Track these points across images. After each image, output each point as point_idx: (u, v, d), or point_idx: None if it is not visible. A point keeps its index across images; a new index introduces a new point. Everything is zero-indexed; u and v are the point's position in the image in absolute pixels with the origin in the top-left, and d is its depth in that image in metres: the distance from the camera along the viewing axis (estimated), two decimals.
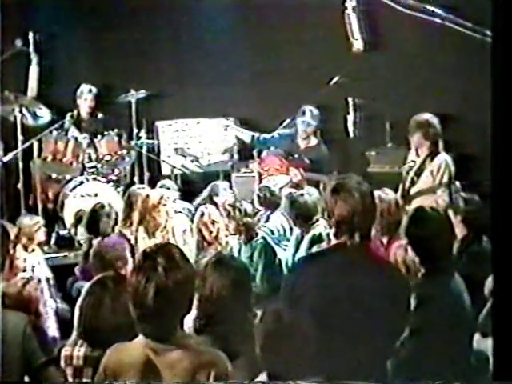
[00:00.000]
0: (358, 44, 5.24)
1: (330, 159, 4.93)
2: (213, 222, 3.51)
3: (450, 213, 3.01)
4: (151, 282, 1.69)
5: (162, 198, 3.57)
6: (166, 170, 5.65)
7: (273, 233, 3.82)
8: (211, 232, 3.48)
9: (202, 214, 3.57)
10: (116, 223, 3.60)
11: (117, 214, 3.76)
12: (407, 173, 3.82)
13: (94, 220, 3.66)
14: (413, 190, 3.74)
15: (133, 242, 3.48)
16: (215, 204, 4.22)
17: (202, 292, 2.05)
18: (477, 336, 2.35)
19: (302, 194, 3.68)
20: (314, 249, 3.33)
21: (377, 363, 1.79)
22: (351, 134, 5.08)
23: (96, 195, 4.91)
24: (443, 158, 3.76)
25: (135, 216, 3.63)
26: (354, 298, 1.80)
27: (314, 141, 4.97)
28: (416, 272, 2.35)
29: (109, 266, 2.64)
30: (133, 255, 2.75)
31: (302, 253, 3.45)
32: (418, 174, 3.75)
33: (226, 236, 3.53)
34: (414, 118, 3.82)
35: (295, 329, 1.70)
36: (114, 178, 5.23)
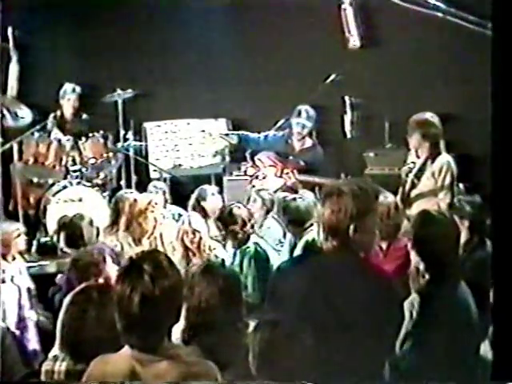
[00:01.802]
0: (354, 40, 5.28)
1: (325, 161, 4.94)
2: (194, 232, 3.49)
3: (455, 216, 3.00)
4: (137, 291, 1.70)
5: (149, 203, 3.57)
6: (154, 173, 5.66)
7: (265, 239, 3.83)
8: (193, 241, 3.47)
9: (183, 222, 3.57)
10: (98, 232, 3.60)
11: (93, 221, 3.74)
12: (407, 175, 3.82)
13: (74, 232, 3.64)
14: (413, 193, 3.74)
15: (119, 249, 3.48)
16: (203, 209, 4.24)
17: (190, 301, 2.06)
18: (484, 345, 2.33)
19: (294, 199, 3.70)
20: None
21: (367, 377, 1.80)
22: (348, 135, 5.11)
23: (80, 200, 4.91)
24: (445, 159, 3.75)
25: (122, 222, 3.64)
26: (332, 306, 1.81)
27: (309, 142, 4.98)
28: (420, 278, 2.34)
29: (90, 275, 2.64)
30: (118, 263, 2.76)
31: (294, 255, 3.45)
32: (419, 176, 3.75)
33: (210, 248, 3.52)
34: (413, 117, 3.82)
35: (292, 339, 1.71)
36: (100, 182, 5.23)
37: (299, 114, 4.87)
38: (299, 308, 1.83)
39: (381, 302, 1.81)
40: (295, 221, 3.61)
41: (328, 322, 1.79)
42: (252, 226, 3.63)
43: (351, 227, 1.85)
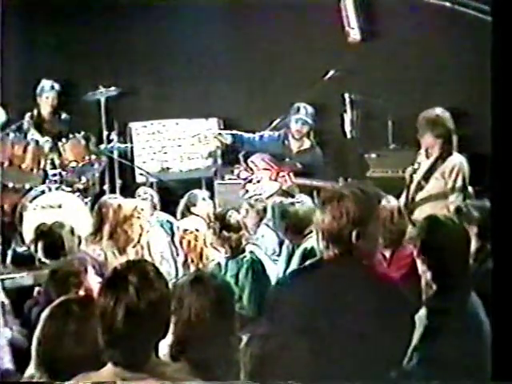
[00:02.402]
0: (354, 33, 5.29)
1: (324, 163, 4.95)
2: (182, 240, 3.50)
3: (465, 222, 2.98)
4: (121, 304, 1.69)
5: (135, 209, 3.57)
6: (140, 177, 5.66)
7: (261, 247, 3.83)
8: (193, 245, 3.49)
9: (177, 229, 3.59)
10: (80, 241, 3.60)
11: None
12: (411, 176, 3.81)
13: (53, 241, 3.62)
14: (420, 196, 3.72)
15: (102, 258, 3.47)
16: (194, 215, 4.23)
17: (178, 314, 2.05)
18: None
19: (292, 203, 3.70)
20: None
21: None
22: (348, 135, 5.11)
23: (60, 207, 4.90)
24: (457, 159, 3.70)
25: (106, 230, 3.63)
26: (336, 318, 1.81)
27: (307, 143, 4.97)
28: (427, 288, 2.33)
29: (70, 287, 2.63)
30: (101, 274, 2.75)
31: (293, 268, 3.45)
32: (427, 177, 3.73)
33: (208, 257, 3.53)
34: (422, 114, 3.80)
35: (286, 354, 1.71)
36: (81, 186, 5.23)
37: (298, 110, 4.86)
38: (300, 321, 1.83)
39: (389, 311, 1.81)
40: (293, 227, 3.61)
41: (331, 334, 1.79)
42: (248, 234, 3.63)
43: (353, 234, 1.84)
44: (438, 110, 3.79)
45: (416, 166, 3.80)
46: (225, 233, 3.47)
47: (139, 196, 4.59)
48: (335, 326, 1.81)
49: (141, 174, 5.63)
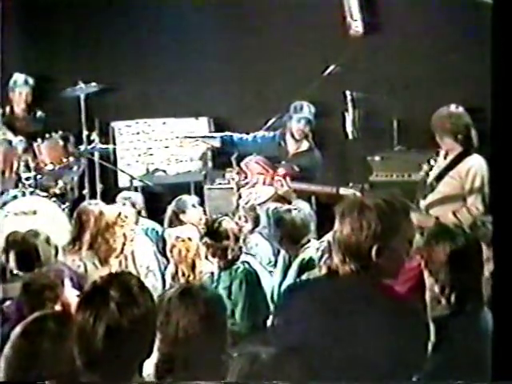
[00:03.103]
0: (357, 25, 5.32)
1: (324, 166, 4.95)
2: (172, 249, 3.51)
3: (479, 229, 2.97)
4: (102, 321, 1.69)
5: (118, 216, 3.57)
6: (124, 181, 5.65)
7: (255, 257, 3.82)
8: (184, 255, 3.49)
9: (168, 236, 3.59)
10: (57, 251, 3.58)
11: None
12: (425, 182, 3.79)
13: (27, 251, 3.59)
14: (430, 198, 3.70)
15: (81, 270, 3.46)
16: (182, 224, 4.23)
17: (165, 330, 2.04)
18: None
19: (289, 210, 3.70)
20: (305, 276, 3.35)
21: None
22: (350, 136, 5.11)
23: (35, 213, 4.88)
24: (476, 159, 3.63)
25: (86, 238, 3.62)
26: (346, 339, 1.80)
27: (304, 144, 4.96)
28: (435, 303, 2.33)
29: (45, 302, 2.61)
30: (80, 287, 2.74)
31: (290, 281, 3.46)
32: (440, 178, 3.71)
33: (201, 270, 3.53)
34: (437, 112, 3.79)
35: (274, 374, 1.70)
36: (58, 191, 5.22)
37: (301, 108, 4.84)
38: (303, 341, 1.82)
39: (407, 334, 1.80)
40: (289, 236, 3.61)
41: (340, 356, 1.78)
42: (243, 242, 3.63)
43: (374, 249, 1.83)
44: (454, 107, 3.78)
45: (426, 167, 3.78)
46: (217, 242, 3.47)
47: (122, 202, 4.57)
48: (345, 347, 1.80)
49: (124, 178, 5.62)
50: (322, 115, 5.30)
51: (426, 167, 3.81)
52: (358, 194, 4.16)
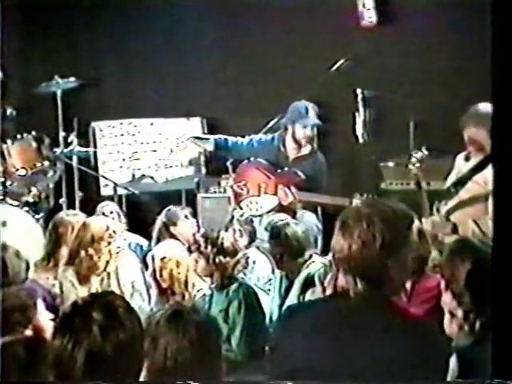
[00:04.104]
0: (370, 16, 5.36)
1: (330, 173, 4.93)
2: (161, 273, 3.50)
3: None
4: (82, 347, 1.70)
5: (106, 230, 3.58)
6: (106, 189, 5.67)
7: (253, 275, 3.84)
8: (175, 276, 3.50)
9: (151, 259, 3.59)
10: (28, 266, 3.60)
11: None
12: (448, 190, 3.79)
13: None
14: (449, 205, 3.70)
15: (57, 290, 3.47)
16: (173, 237, 4.24)
17: (153, 357, 2.06)
18: None
19: (287, 224, 3.72)
20: (308, 296, 3.36)
21: None
22: (360, 139, 5.14)
23: (4, 224, 4.88)
24: None
25: (63, 253, 3.63)
26: (358, 369, 1.81)
27: (306, 147, 4.91)
28: (457, 330, 2.33)
29: (14, 326, 2.62)
30: (56, 309, 2.75)
31: (291, 301, 3.47)
32: (461, 183, 3.70)
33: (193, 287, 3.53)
34: (471, 108, 3.78)
35: None
36: (31, 200, 5.22)
37: (307, 112, 4.75)
38: (308, 368, 1.84)
39: (425, 357, 1.81)
40: (291, 252, 3.63)
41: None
42: (240, 259, 3.64)
43: (389, 263, 1.84)
44: (484, 105, 3.79)
45: (452, 178, 3.80)
46: (211, 258, 3.49)
47: (102, 213, 4.57)
48: (355, 379, 1.81)
49: (106, 185, 5.64)
50: (328, 116, 5.30)
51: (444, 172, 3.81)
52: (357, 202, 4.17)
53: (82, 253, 3.51)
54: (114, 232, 3.61)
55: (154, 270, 3.55)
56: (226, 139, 4.94)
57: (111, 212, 4.65)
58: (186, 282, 3.53)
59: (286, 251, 3.62)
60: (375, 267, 1.85)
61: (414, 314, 2.15)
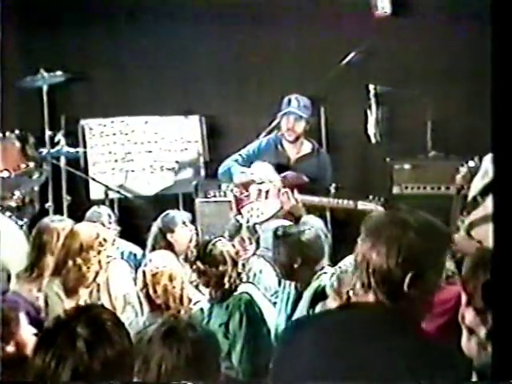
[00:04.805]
0: (383, 5, 5.36)
1: (338, 175, 4.93)
2: (155, 288, 3.50)
3: None
4: (67, 364, 1.71)
5: (97, 238, 3.58)
6: (96, 192, 5.68)
7: (257, 286, 3.84)
8: (169, 291, 3.50)
9: (145, 265, 3.59)
10: (9, 277, 3.61)
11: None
12: (466, 195, 3.77)
13: None
14: (473, 216, 3.67)
15: (41, 303, 3.47)
16: (169, 245, 4.24)
17: (145, 377, 2.06)
18: None
19: (302, 231, 3.69)
20: (318, 309, 3.36)
21: None
22: (373, 139, 5.14)
23: None
24: None
25: (48, 263, 3.63)
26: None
27: (306, 146, 4.93)
28: (478, 350, 2.32)
29: None
30: (40, 324, 2.76)
31: (299, 315, 3.46)
32: (484, 191, 3.68)
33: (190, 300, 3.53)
34: None
35: None
36: (14, 204, 5.23)
37: (289, 103, 4.83)
38: None
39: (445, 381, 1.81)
40: (302, 261, 3.61)
41: None
42: (243, 268, 3.64)
43: (407, 278, 1.84)
44: None
45: (463, 173, 3.78)
46: (210, 268, 3.49)
47: (92, 218, 4.55)
48: None
49: (98, 189, 5.63)
50: (338, 114, 5.31)
51: (464, 175, 3.79)
52: (380, 208, 4.15)
53: (70, 263, 3.50)
54: (105, 240, 3.61)
55: (146, 286, 3.53)
56: (228, 169, 4.91)
57: (102, 217, 4.63)
58: (182, 296, 3.52)
59: (298, 260, 3.59)
60: (398, 281, 1.84)
61: (431, 334, 2.15)
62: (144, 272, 3.58)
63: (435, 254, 1.89)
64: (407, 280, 1.83)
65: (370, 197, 4.33)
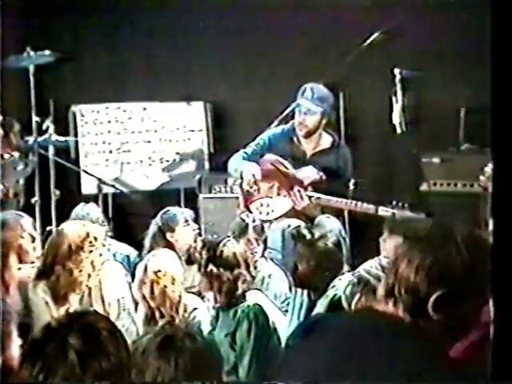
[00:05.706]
0: None
1: (358, 169, 4.90)
2: (153, 289, 3.51)
3: None
4: (57, 377, 1.73)
5: (87, 237, 3.60)
6: (88, 186, 5.70)
7: (266, 293, 3.85)
8: (154, 297, 3.52)
9: (145, 269, 3.60)
10: None
11: None
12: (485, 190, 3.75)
13: None
14: None
15: (25, 309, 3.49)
16: (170, 246, 4.26)
17: None
18: None
19: (322, 236, 3.67)
20: None
21: None
22: (398, 129, 5.11)
23: None
24: None
25: (35, 266, 3.67)
26: None
27: (326, 139, 4.90)
28: None
29: None
30: (25, 333, 2.79)
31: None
32: None
33: (186, 308, 3.55)
34: None
35: None
36: None
37: (303, 93, 4.78)
38: None
39: None
40: (318, 268, 3.62)
41: None
42: (250, 273, 3.65)
43: (433, 297, 1.83)
44: None
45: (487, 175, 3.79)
46: (215, 271, 3.51)
47: (80, 215, 4.55)
48: None
49: (90, 182, 5.65)
50: (359, 102, 5.29)
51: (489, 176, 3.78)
52: (422, 216, 4.09)
53: (58, 267, 3.53)
54: (96, 238, 3.62)
55: (144, 284, 3.56)
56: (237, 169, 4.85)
57: (90, 215, 4.61)
58: (179, 303, 3.54)
59: (314, 267, 3.59)
60: (423, 298, 1.81)
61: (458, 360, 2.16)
62: (146, 267, 3.59)
63: (478, 270, 1.83)
64: (432, 299, 1.83)
65: (394, 202, 4.27)
